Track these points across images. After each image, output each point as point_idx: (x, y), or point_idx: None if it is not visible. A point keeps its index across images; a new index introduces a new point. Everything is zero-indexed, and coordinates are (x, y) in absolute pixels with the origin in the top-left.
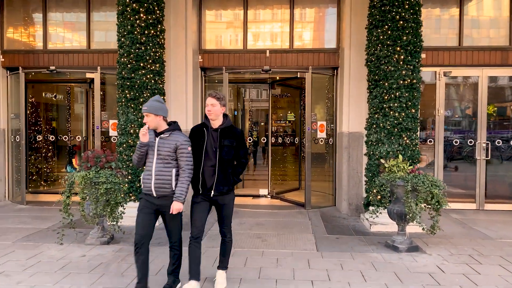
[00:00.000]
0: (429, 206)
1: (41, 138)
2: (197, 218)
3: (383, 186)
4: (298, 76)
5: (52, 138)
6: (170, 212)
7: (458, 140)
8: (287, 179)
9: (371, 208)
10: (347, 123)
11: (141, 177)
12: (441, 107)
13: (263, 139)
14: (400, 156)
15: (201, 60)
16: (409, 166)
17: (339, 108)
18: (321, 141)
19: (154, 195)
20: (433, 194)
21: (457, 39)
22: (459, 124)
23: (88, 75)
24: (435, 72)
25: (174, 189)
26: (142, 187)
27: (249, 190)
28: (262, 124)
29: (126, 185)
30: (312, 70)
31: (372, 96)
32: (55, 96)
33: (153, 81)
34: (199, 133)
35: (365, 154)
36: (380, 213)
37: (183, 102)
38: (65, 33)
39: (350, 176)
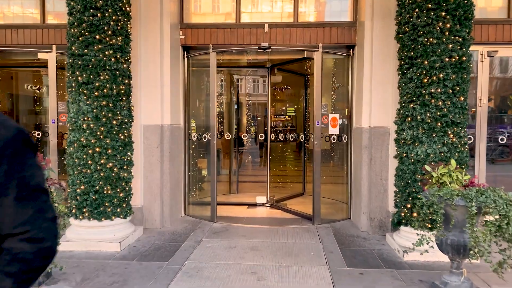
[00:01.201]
0: (499, 235)
1: None
2: None
3: (434, 205)
4: (305, 56)
5: None
6: None
7: (504, 138)
8: (289, 182)
9: (403, 228)
10: (367, 116)
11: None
12: (484, 96)
13: (261, 136)
14: (453, 162)
15: (183, 36)
16: (465, 175)
17: (357, 97)
18: (333, 138)
19: None
20: (509, 219)
21: (505, 10)
22: (503, 118)
23: (41, 56)
24: (477, 51)
25: None
26: None
27: (244, 196)
28: (259, 118)
29: (64, 201)
30: (322, 49)
31: (406, 79)
32: None
33: (113, 59)
34: None
35: (394, 157)
36: (432, 246)
37: (158, 90)
38: (13, 5)
39: (372, 183)
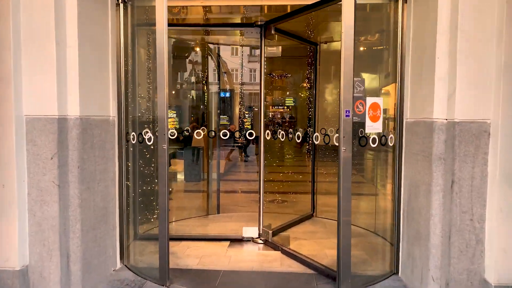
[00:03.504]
0: None
1: None
2: None
3: None
4: None
5: None
6: None
7: None
8: (291, 195)
9: None
10: (443, 102)
11: None
12: None
13: (250, 134)
14: None
15: None
16: None
17: (415, 69)
18: (374, 140)
19: None
20: None
21: None
22: None
23: None
24: None
25: None
26: None
27: (225, 224)
28: (246, 112)
29: None
30: None
31: None
32: None
33: None
34: None
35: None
36: None
37: (51, 52)
38: None
39: (453, 226)
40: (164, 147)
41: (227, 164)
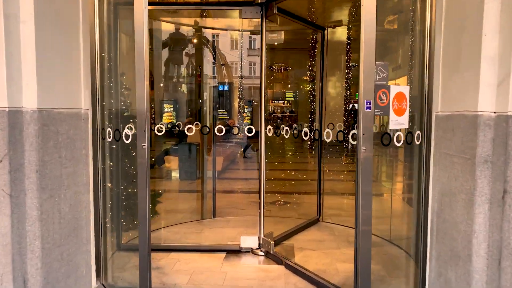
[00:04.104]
0: None
1: None
2: None
3: None
4: None
5: None
6: None
7: None
8: (294, 196)
9: None
10: (490, 90)
11: None
12: None
13: (249, 130)
14: None
15: None
16: None
17: (446, 55)
18: (398, 138)
19: None
20: None
21: None
22: None
23: None
24: None
25: None
26: None
27: (221, 231)
28: (246, 106)
29: None
30: None
31: None
32: None
33: None
34: None
35: None
36: None
37: None
38: None
39: (506, 247)
40: (144, 146)
41: (225, 161)
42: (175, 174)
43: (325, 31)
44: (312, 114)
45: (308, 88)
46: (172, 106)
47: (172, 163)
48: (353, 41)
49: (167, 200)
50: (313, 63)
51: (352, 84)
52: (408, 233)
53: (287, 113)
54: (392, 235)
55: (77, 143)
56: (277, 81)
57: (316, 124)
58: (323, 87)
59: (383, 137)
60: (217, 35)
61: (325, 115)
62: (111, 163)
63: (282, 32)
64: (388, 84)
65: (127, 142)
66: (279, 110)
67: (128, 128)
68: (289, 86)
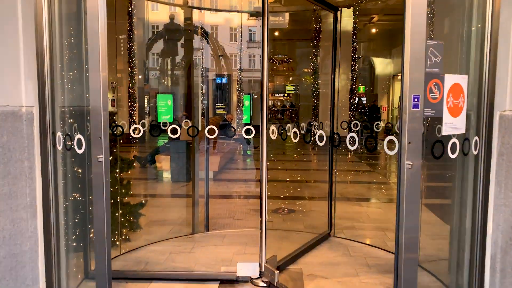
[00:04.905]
0: None
1: None
2: None
3: None
4: None
5: None
6: None
7: None
8: (298, 204)
9: None
10: None
11: None
12: None
13: (248, 131)
14: None
15: None
16: None
17: None
18: (453, 146)
19: None
20: None
21: None
22: None
23: None
24: None
25: None
26: None
27: (214, 250)
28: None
29: None
30: None
31: None
32: None
33: None
34: None
35: None
36: None
37: None
38: None
39: None
40: (100, 159)
41: (222, 160)
42: (166, 175)
43: (338, 12)
44: (315, 109)
45: (318, 81)
46: (164, 101)
47: (163, 163)
48: (358, 30)
49: (153, 208)
50: (318, 52)
51: (357, 76)
52: (458, 275)
53: (288, 106)
54: (420, 259)
55: (15, 154)
56: (279, 74)
57: (326, 122)
58: (334, 79)
59: (434, 146)
60: (216, 27)
61: (338, 112)
62: (69, 175)
63: (287, 13)
64: (443, 73)
65: (79, 152)
66: (279, 103)
67: (79, 133)
68: (291, 78)
